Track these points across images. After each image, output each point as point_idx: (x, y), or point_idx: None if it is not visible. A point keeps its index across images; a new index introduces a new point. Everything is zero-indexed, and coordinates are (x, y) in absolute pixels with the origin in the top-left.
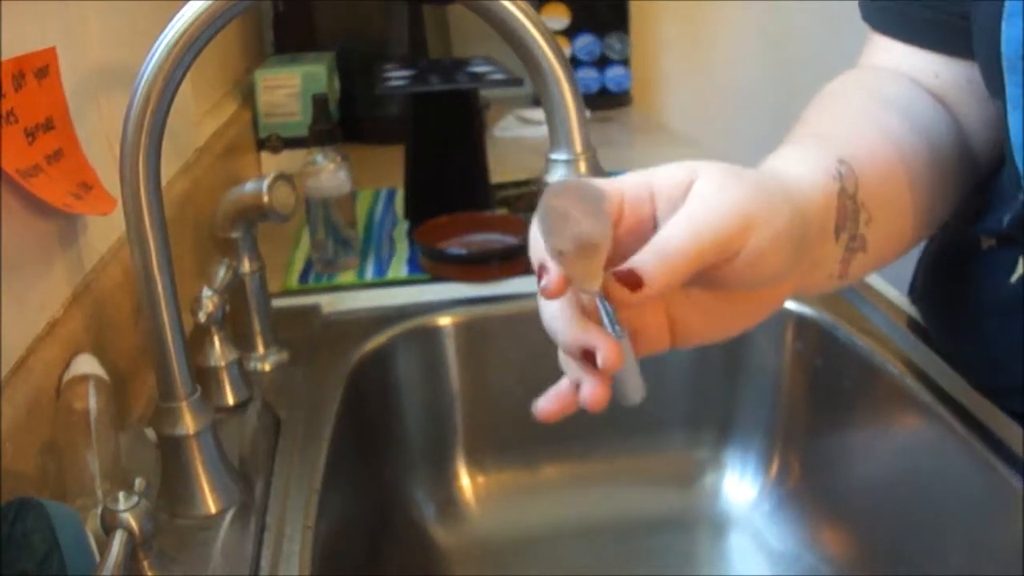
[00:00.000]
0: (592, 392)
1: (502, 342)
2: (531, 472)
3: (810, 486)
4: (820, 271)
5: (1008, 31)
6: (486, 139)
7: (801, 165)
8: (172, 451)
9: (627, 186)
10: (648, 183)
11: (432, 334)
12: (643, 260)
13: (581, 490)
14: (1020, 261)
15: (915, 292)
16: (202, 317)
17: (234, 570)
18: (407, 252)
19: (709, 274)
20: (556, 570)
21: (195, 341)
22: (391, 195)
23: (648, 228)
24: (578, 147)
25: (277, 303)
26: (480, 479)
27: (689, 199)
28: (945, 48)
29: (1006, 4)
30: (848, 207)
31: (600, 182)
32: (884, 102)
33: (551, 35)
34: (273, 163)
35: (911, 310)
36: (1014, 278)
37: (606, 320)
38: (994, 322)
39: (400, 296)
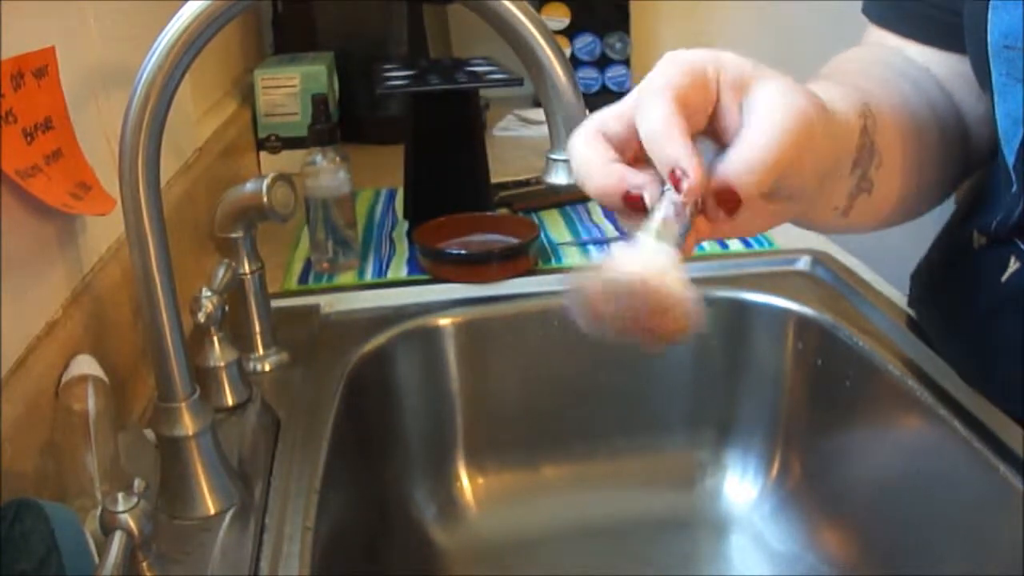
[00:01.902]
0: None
1: (502, 342)
2: (531, 472)
3: (810, 486)
4: (828, 201)
5: (995, 20)
6: (486, 139)
7: (836, 98)
8: (171, 452)
9: (695, 63)
10: (716, 60)
11: (432, 334)
12: (737, 174)
13: (581, 491)
14: (1012, 260)
15: (912, 298)
16: (201, 317)
17: (233, 571)
18: (407, 252)
19: None
20: (556, 571)
21: (194, 341)
22: (391, 195)
23: (710, 99)
24: None
25: (277, 303)
26: (480, 480)
27: (762, 105)
28: (938, 42)
29: None
30: (867, 146)
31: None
32: (898, 71)
33: (551, 35)
34: (273, 163)
35: (911, 310)
36: (1005, 277)
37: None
38: (987, 321)
39: (400, 296)
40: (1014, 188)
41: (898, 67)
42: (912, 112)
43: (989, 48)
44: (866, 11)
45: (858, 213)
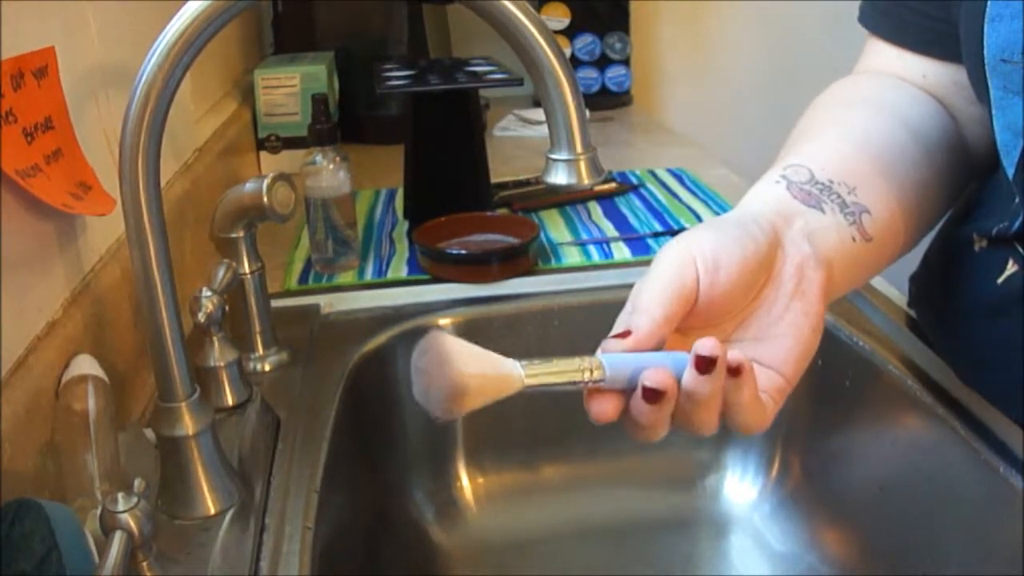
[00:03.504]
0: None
1: (502, 342)
2: (531, 473)
3: (810, 487)
4: (832, 241)
5: (991, 34)
6: (486, 139)
7: (750, 194)
8: (171, 452)
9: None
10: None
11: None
12: (774, 368)
13: (581, 491)
14: (1010, 262)
15: (912, 299)
16: (201, 317)
17: (233, 571)
18: (407, 252)
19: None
20: (556, 571)
21: (194, 341)
22: (391, 195)
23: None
24: (578, 147)
25: (277, 303)
26: (480, 480)
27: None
28: (931, 51)
29: (989, 7)
30: (808, 190)
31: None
32: (848, 102)
33: (551, 35)
34: (272, 163)
35: (911, 310)
36: (1002, 279)
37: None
38: (985, 322)
39: (400, 296)
40: (1016, 200)
41: (850, 98)
42: (864, 140)
43: (986, 62)
44: (862, 20)
45: (873, 228)
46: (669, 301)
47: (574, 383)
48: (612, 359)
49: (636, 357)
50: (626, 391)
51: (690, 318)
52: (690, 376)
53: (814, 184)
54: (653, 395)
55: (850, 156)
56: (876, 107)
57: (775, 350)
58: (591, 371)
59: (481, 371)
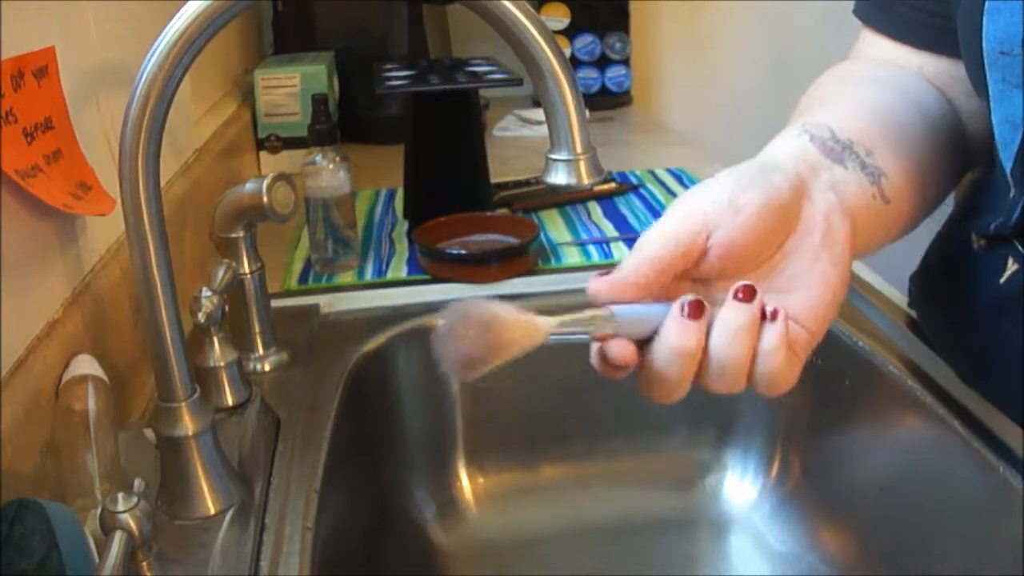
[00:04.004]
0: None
1: None
2: (531, 473)
3: (810, 487)
4: (856, 194)
5: (989, 27)
6: (486, 139)
7: (772, 145)
8: (171, 452)
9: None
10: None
11: (432, 334)
12: (798, 320)
13: (581, 491)
14: (1010, 262)
15: (912, 300)
16: (201, 317)
17: (233, 571)
18: (407, 252)
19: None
20: (556, 571)
21: (194, 341)
22: (391, 195)
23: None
24: (578, 147)
25: (276, 303)
26: (480, 480)
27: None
28: (928, 46)
29: (987, 1)
30: (831, 146)
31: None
32: (854, 79)
33: (551, 35)
34: (272, 163)
35: (911, 310)
36: (1004, 279)
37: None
38: (986, 322)
39: (400, 296)
40: (1012, 193)
41: (859, 76)
42: (874, 110)
43: (984, 54)
44: (857, 13)
45: (892, 191)
46: (656, 240)
47: (585, 332)
48: (623, 310)
49: (647, 307)
50: (641, 343)
51: (711, 267)
52: (728, 309)
53: (835, 141)
54: (697, 309)
55: (863, 124)
56: (883, 84)
57: (803, 301)
58: (601, 321)
59: (498, 336)
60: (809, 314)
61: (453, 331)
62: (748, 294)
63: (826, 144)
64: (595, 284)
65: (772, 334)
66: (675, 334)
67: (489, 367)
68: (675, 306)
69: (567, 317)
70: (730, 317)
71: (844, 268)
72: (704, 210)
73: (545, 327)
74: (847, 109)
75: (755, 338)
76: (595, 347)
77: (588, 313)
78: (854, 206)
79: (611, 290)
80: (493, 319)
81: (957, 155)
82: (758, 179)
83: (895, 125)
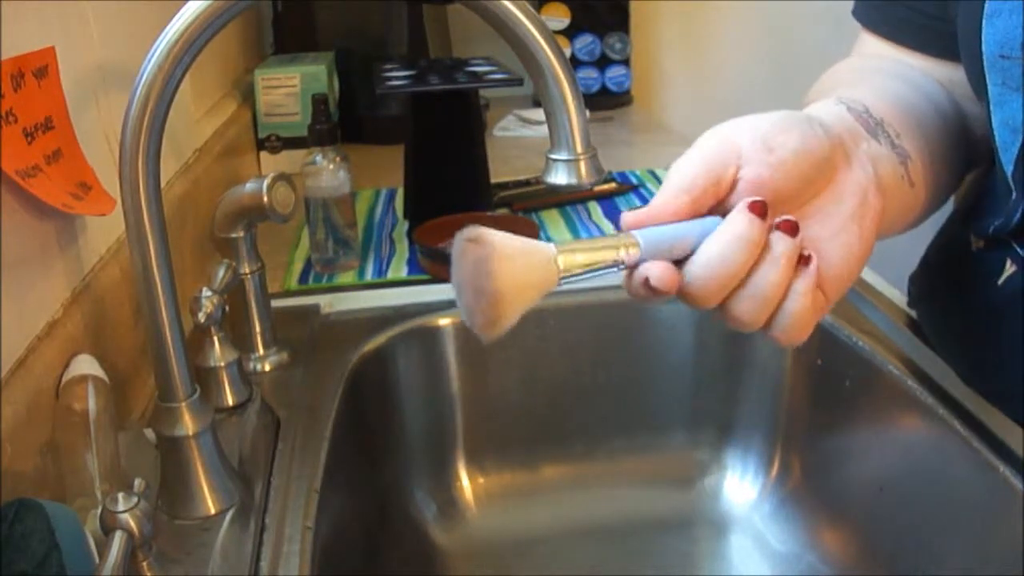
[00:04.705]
0: None
1: (502, 342)
2: (531, 473)
3: (810, 486)
4: (889, 173)
5: (989, 30)
6: (486, 139)
7: (812, 108)
8: (171, 452)
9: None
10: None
11: (432, 334)
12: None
13: (581, 491)
14: (1008, 263)
15: (912, 299)
16: (201, 317)
17: (233, 571)
18: (407, 252)
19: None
20: (556, 571)
21: (194, 341)
22: (391, 195)
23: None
24: (578, 147)
25: (277, 303)
26: (480, 479)
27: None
28: (927, 50)
29: (987, 3)
30: (866, 119)
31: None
32: (866, 70)
33: (551, 35)
34: (272, 163)
35: (911, 310)
36: (1001, 280)
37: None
38: (985, 323)
39: (400, 296)
40: (1013, 196)
41: (878, 68)
42: (899, 100)
43: (984, 58)
44: (856, 14)
45: (918, 176)
46: (687, 169)
47: (613, 263)
48: (646, 233)
49: (672, 228)
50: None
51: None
52: (775, 236)
53: (870, 116)
54: (760, 208)
55: (887, 107)
56: (896, 75)
57: (823, 267)
58: (626, 248)
59: (513, 278)
60: (826, 279)
61: (462, 288)
62: (791, 229)
63: (862, 116)
64: (630, 216)
65: (806, 276)
66: (742, 224)
67: (514, 317)
68: (741, 203)
69: (587, 244)
70: (775, 243)
71: (867, 247)
72: (737, 142)
73: (554, 272)
74: (870, 92)
75: (792, 273)
76: (633, 275)
77: (612, 240)
78: (888, 184)
79: (649, 220)
80: (500, 265)
81: (965, 151)
82: (800, 125)
83: (914, 114)
